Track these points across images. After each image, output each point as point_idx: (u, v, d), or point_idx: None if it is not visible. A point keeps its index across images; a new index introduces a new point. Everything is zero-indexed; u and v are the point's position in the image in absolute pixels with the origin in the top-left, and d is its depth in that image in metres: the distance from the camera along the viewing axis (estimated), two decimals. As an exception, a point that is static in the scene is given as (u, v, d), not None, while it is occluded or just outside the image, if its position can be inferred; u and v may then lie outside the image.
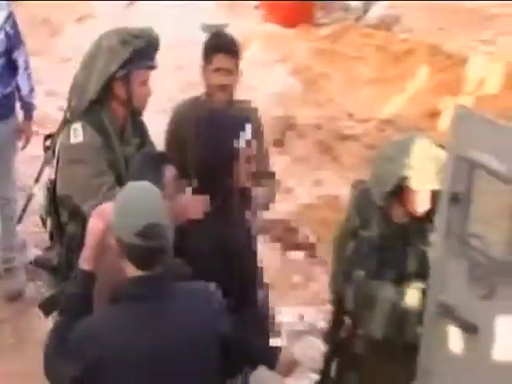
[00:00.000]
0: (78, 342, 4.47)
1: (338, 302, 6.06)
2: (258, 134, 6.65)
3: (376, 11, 12.50)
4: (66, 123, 5.87)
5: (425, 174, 5.47)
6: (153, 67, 5.89)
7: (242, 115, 6.59)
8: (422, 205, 5.56)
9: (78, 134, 5.77)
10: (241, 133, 6.36)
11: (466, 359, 5.21)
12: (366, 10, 12.48)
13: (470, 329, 5.10)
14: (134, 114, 6.05)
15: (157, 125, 7.02)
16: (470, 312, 5.07)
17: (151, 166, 5.55)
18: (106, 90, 5.78)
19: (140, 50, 5.63)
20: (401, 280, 5.72)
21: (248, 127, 6.42)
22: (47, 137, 6.08)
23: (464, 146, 4.98)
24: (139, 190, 4.72)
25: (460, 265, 5.11)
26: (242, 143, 6.39)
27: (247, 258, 6.99)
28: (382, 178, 5.64)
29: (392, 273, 5.74)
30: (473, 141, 4.95)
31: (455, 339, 5.28)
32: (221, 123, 6.47)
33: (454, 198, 5.10)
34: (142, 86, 5.77)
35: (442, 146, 5.43)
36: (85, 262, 4.72)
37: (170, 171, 5.54)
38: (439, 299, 5.21)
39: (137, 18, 11.65)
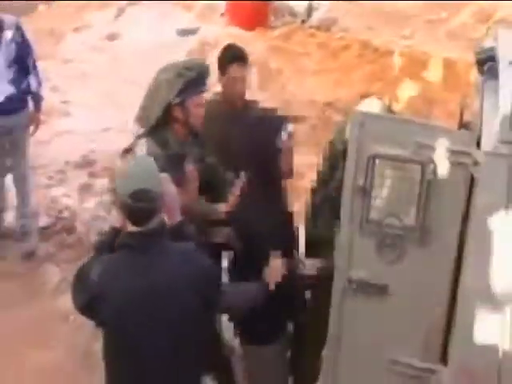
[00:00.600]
0: (87, 278, 4.65)
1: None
2: None
3: (317, 15, 12.53)
4: (137, 140, 5.99)
5: None
6: (204, 91, 5.99)
7: (275, 116, 6.74)
8: None
9: (143, 147, 5.86)
10: (283, 129, 6.41)
11: (376, 319, 5.20)
12: (309, 14, 12.51)
13: (381, 289, 5.21)
14: (196, 133, 6.12)
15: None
16: (379, 277, 5.19)
17: (173, 164, 5.68)
18: (167, 114, 5.89)
19: (192, 80, 5.71)
20: None
21: (287, 125, 6.51)
22: (126, 150, 6.13)
23: (364, 143, 5.07)
24: (138, 160, 4.97)
25: (366, 242, 5.20)
26: (284, 137, 6.41)
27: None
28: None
29: None
30: (378, 136, 5.06)
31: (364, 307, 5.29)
32: (263, 123, 6.54)
33: (359, 189, 5.12)
34: (196, 108, 5.88)
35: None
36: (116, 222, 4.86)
37: (188, 168, 5.78)
38: (348, 275, 5.25)
39: (124, 26, 11.80)
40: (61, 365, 6.75)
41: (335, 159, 5.94)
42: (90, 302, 4.70)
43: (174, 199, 4.92)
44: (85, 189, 8.65)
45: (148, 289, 4.68)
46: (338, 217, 5.39)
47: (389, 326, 5.23)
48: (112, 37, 11.59)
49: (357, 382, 5.40)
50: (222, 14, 12.29)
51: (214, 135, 6.44)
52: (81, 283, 4.80)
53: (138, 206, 4.56)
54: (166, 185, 4.80)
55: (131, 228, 4.66)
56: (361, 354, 5.32)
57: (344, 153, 5.44)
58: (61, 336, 7.16)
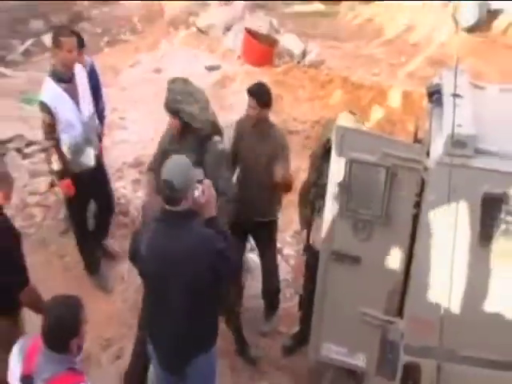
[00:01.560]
0: (134, 240, 4.96)
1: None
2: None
3: (309, 57, 12.48)
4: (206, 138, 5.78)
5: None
6: None
7: (277, 133, 6.58)
8: None
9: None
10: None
11: (351, 282, 5.24)
12: (303, 56, 12.49)
13: (355, 260, 5.25)
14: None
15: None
16: (353, 250, 5.25)
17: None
18: None
19: None
20: None
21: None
22: None
23: (347, 150, 5.08)
24: (175, 159, 4.82)
25: (345, 225, 5.24)
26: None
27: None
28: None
29: None
30: (355, 147, 5.08)
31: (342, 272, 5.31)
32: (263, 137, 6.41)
33: (340, 185, 5.14)
34: None
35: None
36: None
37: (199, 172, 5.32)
38: (331, 249, 5.31)
39: (166, 63, 11.78)
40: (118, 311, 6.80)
41: (319, 163, 5.95)
42: (132, 255, 4.93)
43: (211, 198, 4.79)
44: (136, 182, 8.59)
45: (169, 252, 4.68)
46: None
47: (360, 287, 5.27)
48: (157, 71, 11.57)
49: (337, 329, 5.42)
50: (239, 56, 12.23)
51: (244, 146, 6.43)
52: (131, 243, 4.98)
53: (165, 191, 4.64)
54: (207, 186, 4.75)
55: (166, 207, 4.69)
56: (340, 307, 5.37)
57: (323, 155, 5.75)
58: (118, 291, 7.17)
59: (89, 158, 6.89)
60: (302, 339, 6.23)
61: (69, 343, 3.88)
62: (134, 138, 9.61)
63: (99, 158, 7.07)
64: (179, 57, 12.04)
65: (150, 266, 4.79)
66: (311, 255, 6.02)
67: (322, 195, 5.59)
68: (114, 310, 6.63)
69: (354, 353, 5.40)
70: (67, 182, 6.72)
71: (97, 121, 7.08)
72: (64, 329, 3.87)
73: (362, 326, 5.28)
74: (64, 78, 6.61)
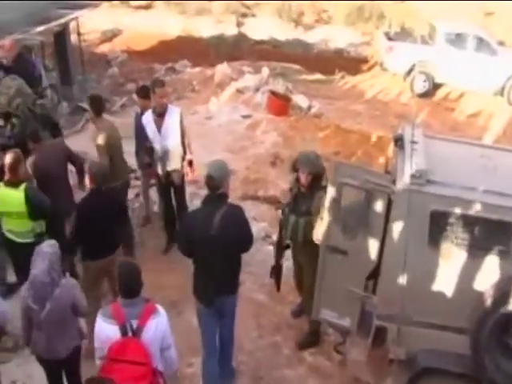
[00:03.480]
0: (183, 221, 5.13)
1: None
2: None
3: (313, 110, 12.50)
4: None
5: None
6: None
7: None
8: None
9: None
10: None
11: (341, 268, 5.24)
12: (309, 109, 12.49)
13: (343, 253, 5.22)
14: None
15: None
16: (343, 245, 5.22)
17: None
18: None
19: None
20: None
21: None
22: None
23: (340, 177, 5.10)
24: (215, 161, 5.03)
25: (337, 227, 5.22)
26: None
27: None
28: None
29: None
30: (345, 175, 5.10)
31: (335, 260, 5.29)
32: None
33: (334, 200, 5.14)
34: None
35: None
36: None
37: None
38: (327, 243, 5.29)
39: (215, 113, 11.77)
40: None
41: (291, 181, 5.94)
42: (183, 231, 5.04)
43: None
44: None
45: (210, 226, 4.75)
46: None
47: (347, 272, 5.26)
48: (208, 118, 11.62)
49: (331, 299, 5.41)
50: (264, 108, 12.18)
51: None
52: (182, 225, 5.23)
53: (207, 182, 4.80)
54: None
55: (206, 194, 4.89)
56: (333, 285, 5.35)
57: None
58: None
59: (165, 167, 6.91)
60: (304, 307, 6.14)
61: (140, 289, 4.08)
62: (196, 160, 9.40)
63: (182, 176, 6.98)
64: (224, 108, 12.00)
65: (200, 235, 4.78)
66: None
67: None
68: (179, 279, 6.42)
69: (342, 317, 5.39)
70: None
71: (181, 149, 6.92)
72: (135, 280, 4.05)
73: (348, 299, 5.28)
74: (156, 113, 6.72)
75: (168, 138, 6.78)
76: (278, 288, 6.05)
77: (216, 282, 4.96)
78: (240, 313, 5.74)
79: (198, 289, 5.10)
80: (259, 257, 6.99)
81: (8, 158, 5.61)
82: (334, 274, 5.31)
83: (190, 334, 5.57)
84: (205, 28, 20.23)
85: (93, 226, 5.44)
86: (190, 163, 6.91)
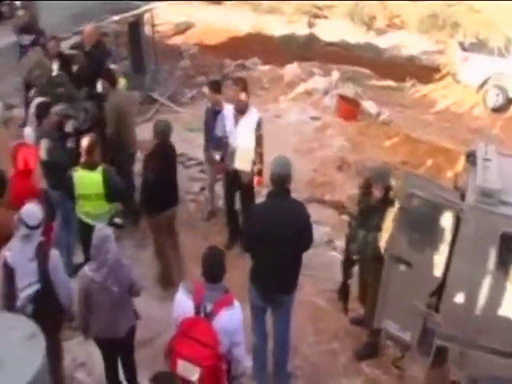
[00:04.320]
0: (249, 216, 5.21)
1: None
2: None
3: (381, 117, 12.32)
4: None
5: None
6: None
7: None
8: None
9: None
10: None
11: (404, 278, 5.20)
12: (378, 116, 12.35)
13: (408, 264, 5.18)
14: None
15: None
16: (408, 257, 5.17)
17: None
18: None
19: None
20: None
21: None
22: None
23: (409, 187, 5.07)
24: (282, 156, 5.06)
25: (403, 238, 5.16)
26: None
27: None
28: None
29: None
30: (414, 185, 5.05)
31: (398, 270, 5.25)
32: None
33: (403, 208, 5.11)
34: None
35: None
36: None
37: None
38: (391, 253, 5.25)
39: (284, 113, 11.81)
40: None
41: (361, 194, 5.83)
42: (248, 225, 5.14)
43: None
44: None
45: (277, 221, 4.82)
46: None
47: (411, 285, 5.19)
48: (278, 117, 11.63)
49: (394, 311, 5.37)
50: (333, 111, 12.13)
51: None
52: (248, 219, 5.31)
53: (275, 178, 4.87)
54: None
55: (271, 189, 4.91)
56: (397, 296, 5.31)
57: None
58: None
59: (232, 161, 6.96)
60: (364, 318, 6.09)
61: (223, 276, 4.20)
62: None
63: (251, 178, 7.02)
64: (292, 108, 12.02)
65: (266, 227, 4.83)
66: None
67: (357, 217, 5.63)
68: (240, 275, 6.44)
69: (403, 330, 5.33)
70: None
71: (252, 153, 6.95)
72: (220, 266, 4.20)
73: (410, 313, 5.20)
74: (236, 109, 6.84)
75: (241, 136, 6.86)
76: (346, 310, 6.05)
77: (277, 279, 5.02)
78: (297, 316, 5.77)
79: (255, 282, 5.16)
80: (321, 261, 6.99)
81: (84, 142, 5.92)
82: (397, 285, 5.26)
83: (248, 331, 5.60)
84: (276, 27, 20.29)
85: (160, 176, 6.07)
86: (260, 172, 6.93)
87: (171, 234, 6.67)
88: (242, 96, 6.75)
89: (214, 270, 4.18)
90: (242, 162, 6.93)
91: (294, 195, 5.09)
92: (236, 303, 4.20)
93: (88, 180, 5.91)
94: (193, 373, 4.04)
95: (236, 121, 6.85)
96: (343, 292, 5.93)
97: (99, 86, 7.60)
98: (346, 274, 5.86)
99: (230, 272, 6.19)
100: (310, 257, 6.67)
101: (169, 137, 6.30)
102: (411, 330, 5.28)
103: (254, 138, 6.80)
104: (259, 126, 6.82)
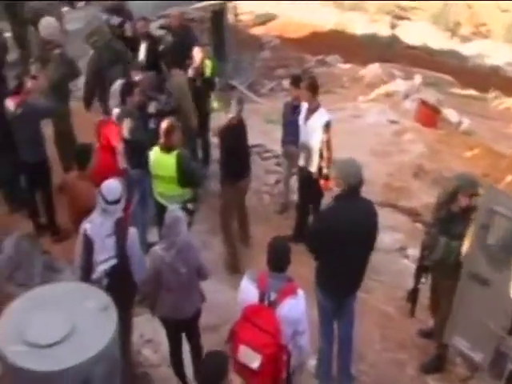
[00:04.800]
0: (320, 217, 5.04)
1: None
2: None
3: (462, 127, 12.02)
4: None
5: None
6: None
7: None
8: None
9: None
10: None
11: (480, 296, 5.04)
12: (458, 126, 12.05)
13: (485, 282, 5.01)
14: None
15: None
16: (485, 274, 5.00)
17: None
18: None
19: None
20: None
21: None
22: None
23: (491, 203, 4.88)
24: (353, 160, 4.94)
25: (481, 255, 4.99)
26: None
27: None
28: None
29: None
30: (496, 201, 4.85)
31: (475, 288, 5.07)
32: None
33: (483, 225, 4.93)
34: None
35: None
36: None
37: None
38: (469, 270, 5.09)
39: (363, 113, 11.72)
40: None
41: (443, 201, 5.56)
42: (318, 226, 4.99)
43: None
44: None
45: (351, 220, 4.73)
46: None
47: (487, 304, 5.02)
48: (355, 116, 11.56)
49: (466, 328, 5.20)
50: (413, 116, 11.88)
51: None
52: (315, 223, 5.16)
53: (349, 182, 4.73)
54: None
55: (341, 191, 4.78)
56: (470, 314, 5.15)
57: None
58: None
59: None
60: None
61: (287, 266, 4.26)
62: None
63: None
64: (371, 109, 11.87)
65: (338, 229, 4.74)
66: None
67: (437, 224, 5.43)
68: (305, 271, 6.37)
69: (474, 349, 5.17)
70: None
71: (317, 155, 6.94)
72: (285, 256, 4.25)
73: (483, 333, 5.03)
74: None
75: (308, 135, 6.88)
76: (413, 313, 5.89)
77: (349, 280, 5.01)
78: (364, 321, 5.71)
79: (325, 284, 5.11)
80: (392, 268, 6.88)
81: (164, 124, 6.02)
82: (472, 302, 5.09)
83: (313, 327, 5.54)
84: (358, 25, 20.11)
85: (237, 146, 6.60)
86: (326, 177, 6.87)
87: (240, 209, 7.09)
88: (311, 94, 6.77)
89: (279, 259, 4.23)
90: (306, 160, 6.96)
91: (366, 197, 5.03)
92: (300, 292, 4.23)
93: (163, 162, 6.01)
94: (254, 359, 4.09)
95: (306, 118, 6.85)
96: (413, 295, 5.79)
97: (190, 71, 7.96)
98: (419, 281, 5.72)
99: (296, 267, 6.18)
100: (382, 262, 6.65)
101: (241, 111, 6.64)
102: (483, 350, 5.09)
103: (320, 139, 6.75)
104: (326, 128, 6.74)
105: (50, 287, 4.62)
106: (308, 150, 6.90)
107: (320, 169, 6.87)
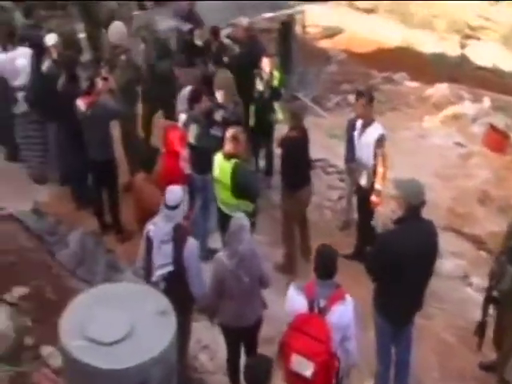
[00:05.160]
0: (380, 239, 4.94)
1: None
2: None
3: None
4: None
5: None
6: None
7: None
8: None
9: None
10: None
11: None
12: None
13: None
14: None
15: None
16: None
17: None
18: None
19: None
20: None
21: None
22: None
23: None
24: (415, 181, 4.87)
25: None
26: None
27: None
28: None
29: None
30: None
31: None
32: None
33: None
34: None
35: None
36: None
37: None
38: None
39: (427, 133, 11.52)
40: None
41: None
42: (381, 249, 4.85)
43: None
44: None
45: (412, 242, 4.67)
46: None
47: None
48: (421, 136, 11.37)
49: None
50: (480, 140, 11.58)
51: None
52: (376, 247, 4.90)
53: (413, 205, 4.70)
54: None
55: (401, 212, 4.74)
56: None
57: None
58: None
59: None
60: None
61: (335, 273, 4.37)
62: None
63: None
64: (437, 130, 11.65)
65: (400, 254, 4.67)
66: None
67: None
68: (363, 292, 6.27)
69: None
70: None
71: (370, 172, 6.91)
72: (332, 263, 4.36)
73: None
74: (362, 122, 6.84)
75: (363, 151, 6.89)
76: (480, 347, 5.76)
77: (411, 304, 4.98)
78: (423, 347, 5.67)
79: (384, 307, 5.06)
80: (454, 296, 6.76)
81: (230, 132, 6.16)
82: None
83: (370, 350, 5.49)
84: (426, 43, 19.84)
85: (298, 157, 6.74)
86: (378, 194, 6.82)
87: (301, 222, 7.16)
88: (366, 108, 6.80)
89: (326, 266, 4.33)
90: (361, 176, 6.98)
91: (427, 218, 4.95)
92: (348, 298, 4.33)
93: (223, 168, 6.14)
94: (307, 368, 4.18)
95: (361, 133, 6.85)
96: (481, 328, 5.63)
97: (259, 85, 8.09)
98: (487, 312, 5.58)
99: (354, 288, 6.13)
100: (443, 289, 6.54)
101: (303, 119, 6.84)
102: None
103: (374, 154, 6.74)
104: (380, 142, 6.70)
105: (113, 286, 4.78)
106: (363, 166, 6.92)
107: (372, 184, 6.84)
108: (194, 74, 8.20)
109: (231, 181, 6.08)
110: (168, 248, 4.87)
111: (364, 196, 7.05)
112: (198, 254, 4.99)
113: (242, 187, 6.10)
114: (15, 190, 7.46)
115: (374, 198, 6.87)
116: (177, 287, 4.87)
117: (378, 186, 6.78)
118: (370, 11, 21.53)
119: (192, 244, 4.91)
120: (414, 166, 9.04)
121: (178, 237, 4.85)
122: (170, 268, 4.90)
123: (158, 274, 4.95)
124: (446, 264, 7.04)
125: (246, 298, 4.90)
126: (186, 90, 7.31)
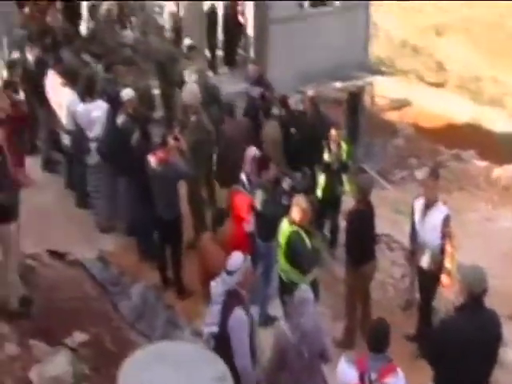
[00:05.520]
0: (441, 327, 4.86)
1: None
2: None
3: None
4: None
5: None
6: None
7: None
8: None
9: None
10: None
11: None
12: None
13: None
14: None
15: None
16: None
17: None
18: None
19: None
20: None
21: None
22: None
23: None
24: (479, 268, 4.74)
25: None
26: None
27: None
28: None
29: None
30: None
31: None
32: None
33: None
34: None
35: None
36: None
37: None
38: None
39: (495, 214, 11.46)
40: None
41: None
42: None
43: None
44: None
45: (474, 331, 4.57)
46: None
47: None
48: (488, 220, 11.22)
49: None
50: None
51: None
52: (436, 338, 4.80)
53: (475, 293, 4.57)
54: None
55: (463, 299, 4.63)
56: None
57: None
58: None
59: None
60: None
61: (387, 347, 4.46)
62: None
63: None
64: (506, 213, 11.52)
65: (460, 339, 4.60)
66: None
67: None
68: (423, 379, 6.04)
69: None
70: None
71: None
72: (385, 337, 4.46)
73: None
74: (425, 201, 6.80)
75: (427, 233, 6.81)
76: None
77: None
78: None
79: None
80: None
81: (295, 200, 6.34)
82: None
83: None
84: (496, 120, 19.73)
85: (363, 230, 6.81)
86: (449, 273, 6.76)
87: (364, 297, 7.12)
88: (432, 189, 6.81)
89: (378, 340, 4.43)
90: (425, 258, 6.88)
91: (493, 308, 4.85)
92: (400, 372, 4.41)
93: (284, 234, 6.32)
94: None
95: (424, 214, 6.81)
96: None
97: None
98: None
99: (411, 373, 6.03)
100: (508, 382, 6.31)
101: (370, 193, 6.88)
102: None
103: (441, 234, 6.70)
104: (447, 222, 6.70)
105: (172, 344, 4.82)
106: (427, 249, 6.83)
107: (438, 264, 6.79)
108: (240, 126, 8.36)
109: (285, 246, 6.27)
110: (216, 309, 5.01)
111: (425, 277, 6.99)
112: (243, 326, 4.90)
113: (293, 255, 6.23)
114: (82, 237, 7.73)
115: (444, 278, 6.81)
116: (223, 349, 4.82)
117: (448, 265, 6.74)
118: (439, 85, 21.66)
119: (238, 315, 4.85)
120: (480, 250, 8.94)
121: (228, 302, 4.90)
122: (215, 329, 4.98)
123: (205, 331, 5.12)
124: (509, 354, 6.78)
125: (306, 373, 4.90)
126: (252, 150, 7.38)
